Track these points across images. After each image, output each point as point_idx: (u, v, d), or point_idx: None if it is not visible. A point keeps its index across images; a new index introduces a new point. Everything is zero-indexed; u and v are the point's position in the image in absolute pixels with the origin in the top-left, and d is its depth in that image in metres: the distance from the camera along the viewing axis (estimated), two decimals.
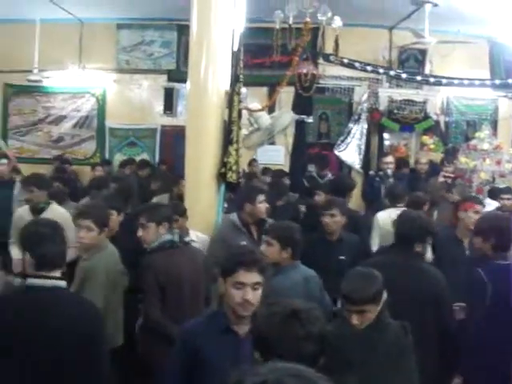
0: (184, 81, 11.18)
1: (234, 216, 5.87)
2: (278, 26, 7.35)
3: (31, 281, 3.46)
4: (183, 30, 11.72)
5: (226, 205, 6.55)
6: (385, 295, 3.60)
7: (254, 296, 3.22)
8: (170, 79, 12.18)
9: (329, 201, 6.42)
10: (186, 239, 5.23)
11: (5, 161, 8.94)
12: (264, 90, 11.57)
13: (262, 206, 5.91)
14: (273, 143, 10.06)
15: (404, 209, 6.13)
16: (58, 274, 3.49)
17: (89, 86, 12.69)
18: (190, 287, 4.47)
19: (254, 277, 3.22)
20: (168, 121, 12.26)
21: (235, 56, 6.39)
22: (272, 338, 2.53)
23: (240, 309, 3.22)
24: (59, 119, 12.94)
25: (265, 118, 6.90)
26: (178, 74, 11.90)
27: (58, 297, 3.46)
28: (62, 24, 12.09)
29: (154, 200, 7.91)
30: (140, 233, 4.94)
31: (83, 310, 3.51)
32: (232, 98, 6.22)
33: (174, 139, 11.91)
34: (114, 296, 4.71)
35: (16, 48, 12.14)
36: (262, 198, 5.92)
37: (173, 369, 3.38)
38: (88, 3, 11.07)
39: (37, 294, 3.42)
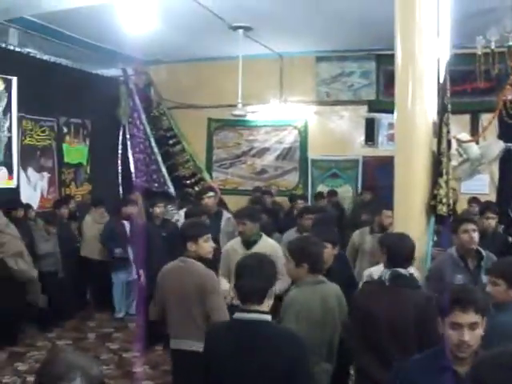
0: (384, 111, 11.29)
1: (452, 249, 5.70)
2: (479, 52, 7.13)
3: (237, 314, 3.56)
4: (382, 60, 11.73)
5: (435, 238, 6.37)
6: None
7: (472, 337, 3.07)
8: (370, 109, 12.16)
9: None
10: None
11: (212, 193, 9.25)
12: (466, 117, 11.17)
13: (464, 236, 5.67)
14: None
15: None
16: (262, 307, 3.52)
17: (290, 119, 13.00)
18: (389, 329, 4.27)
19: (470, 317, 3.08)
20: (369, 151, 12.29)
21: (442, 85, 6.22)
22: None
23: (457, 350, 3.10)
24: (262, 152, 13.39)
25: (474, 149, 6.68)
26: (378, 104, 11.90)
27: (258, 331, 3.48)
28: (262, 59, 12.55)
29: (356, 233, 7.88)
30: None
31: (285, 345, 3.48)
32: (440, 129, 6.05)
33: (376, 170, 11.87)
34: (316, 333, 4.55)
35: (219, 84, 12.77)
36: (466, 227, 5.69)
37: None
38: (287, 38, 11.38)
39: (240, 327, 3.51)
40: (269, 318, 3.56)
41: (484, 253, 5.66)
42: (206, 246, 5.17)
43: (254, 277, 3.54)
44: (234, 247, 6.57)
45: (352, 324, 4.56)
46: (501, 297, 4.28)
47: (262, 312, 3.52)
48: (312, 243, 4.87)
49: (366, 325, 4.38)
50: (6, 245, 8.09)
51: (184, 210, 9.10)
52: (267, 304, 3.56)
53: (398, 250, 4.55)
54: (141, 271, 8.65)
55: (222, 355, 3.51)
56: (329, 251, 5.43)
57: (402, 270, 4.43)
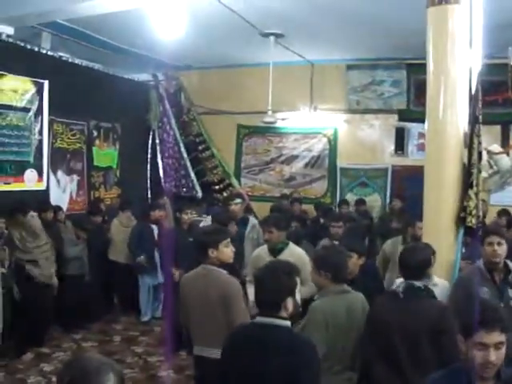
0: (414, 120, 11.22)
1: (480, 262, 5.63)
2: (511, 62, 7.05)
3: (257, 318, 3.63)
4: (412, 69, 11.63)
5: (463, 250, 6.29)
6: None
7: (497, 356, 3.00)
8: (400, 119, 12.03)
9: None
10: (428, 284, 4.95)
11: (239, 200, 9.28)
12: (497, 128, 11.01)
13: (488, 248, 5.58)
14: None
15: None
16: (279, 314, 3.54)
17: (320, 127, 12.96)
18: (402, 340, 4.22)
19: (495, 337, 3.00)
20: (398, 160, 12.22)
21: (474, 95, 6.15)
22: None
23: (482, 369, 3.03)
24: (291, 159, 13.39)
25: (505, 160, 6.57)
26: (409, 114, 11.78)
27: (273, 335, 3.52)
28: (293, 67, 12.56)
29: (387, 243, 7.82)
30: None
31: (298, 348, 3.49)
32: (471, 140, 5.97)
33: (405, 179, 11.78)
34: (340, 341, 4.56)
35: (250, 90, 12.80)
36: (491, 239, 5.60)
37: None
38: (318, 46, 11.37)
39: (255, 331, 3.61)
40: (286, 323, 3.59)
41: (510, 265, 5.57)
42: (227, 250, 5.16)
43: (267, 289, 3.59)
44: (261, 254, 6.56)
45: (366, 334, 4.54)
46: None
47: (279, 317, 3.55)
48: (335, 252, 4.87)
49: (379, 335, 4.37)
50: (41, 248, 8.18)
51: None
52: (285, 311, 3.58)
53: (406, 262, 4.55)
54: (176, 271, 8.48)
55: (235, 356, 3.61)
56: (354, 261, 5.41)
57: (416, 282, 4.39)
